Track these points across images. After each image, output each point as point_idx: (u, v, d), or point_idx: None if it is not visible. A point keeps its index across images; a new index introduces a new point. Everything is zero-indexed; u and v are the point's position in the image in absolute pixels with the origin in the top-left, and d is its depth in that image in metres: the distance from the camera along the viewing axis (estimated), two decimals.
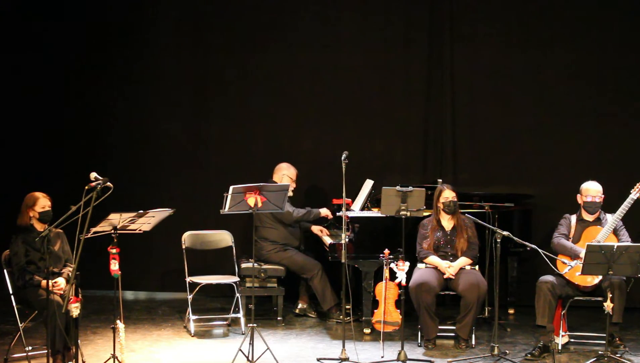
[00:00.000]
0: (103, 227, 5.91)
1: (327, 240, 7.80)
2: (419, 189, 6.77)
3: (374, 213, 7.68)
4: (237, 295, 7.72)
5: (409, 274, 6.84)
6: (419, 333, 7.12)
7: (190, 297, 7.54)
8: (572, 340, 7.14)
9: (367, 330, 7.45)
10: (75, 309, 5.66)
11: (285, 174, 8.10)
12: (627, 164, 8.50)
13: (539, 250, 6.53)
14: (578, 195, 7.12)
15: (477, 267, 7.22)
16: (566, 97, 8.75)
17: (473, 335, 7.08)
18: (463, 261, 7.13)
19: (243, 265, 7.84)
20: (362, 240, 7.46)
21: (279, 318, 7.91)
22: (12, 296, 6.50)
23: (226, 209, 6.54)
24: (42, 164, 9.16)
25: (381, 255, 7.07)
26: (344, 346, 6.62)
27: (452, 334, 7.18)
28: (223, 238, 8.05)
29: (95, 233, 5.86)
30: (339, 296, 7.80)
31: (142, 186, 9.08)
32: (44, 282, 6.20)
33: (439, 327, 7.09)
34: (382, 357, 6.73)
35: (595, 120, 8.72)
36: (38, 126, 9.24)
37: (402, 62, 8.98)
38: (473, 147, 8.91)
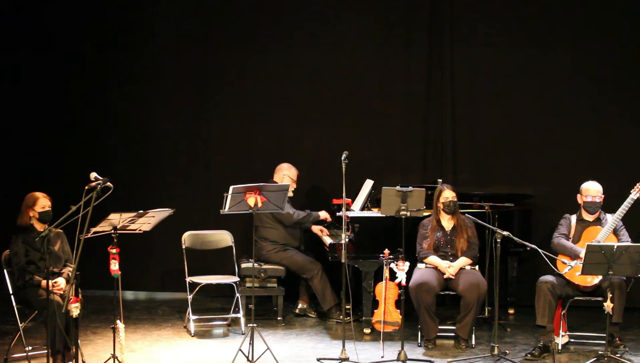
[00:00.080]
0: (103, 227, 5.91)
1: (327, 240, 7.80)
2: (419, 189, 6.77)
3: (374, 213, 7.68)
4: (237, 295, 7.72)
5: (409, 274, 6.84)
6: (419, 333, 7.12)
7: (190, 297, 7.54)
8: (572, 340, 7.14)
9: (367, 330, 7.45)
10: (75, 309, 5.66)
11: (286, 174, 8.10)
12: (627, 164, 8.50)
13: (539, 250, 6.53)
14: (578, 195, 7.12)
15: (477, 267, 7.22)
16: (566, 97, 8.75)
17: (473, 335, 7.08)
18: (463, 261, 7.13)
19: (243, 265, 7.84)
20: (362, 240, 7.46)
21: (279, 318, 7.91)
22: (12, 296, 6.49)
23: (226, 209, 6.54)
24: (42, 164, 9.16)
25: (381, 255, 7.07)
26: (344, 346, 6.62)
27: (452, 334, 7.18)
28: (223, 238, 8.05)
29: (95, 233, 5.86)
30: (339, 296, 7.80)
31: (142, 186, 9.08)
32: (44, 282, 6.20)
33: (439, 327, 7.09)
34: (382, 357, 6.73)
35: (595, 120, 8.72)
36: (38, 126, 9.23)
37: (402, 62, 8.98)
38: (473, 147, 8.91)
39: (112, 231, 5.95)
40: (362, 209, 7.84)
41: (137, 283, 9.16)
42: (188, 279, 7.64)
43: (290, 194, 8.01)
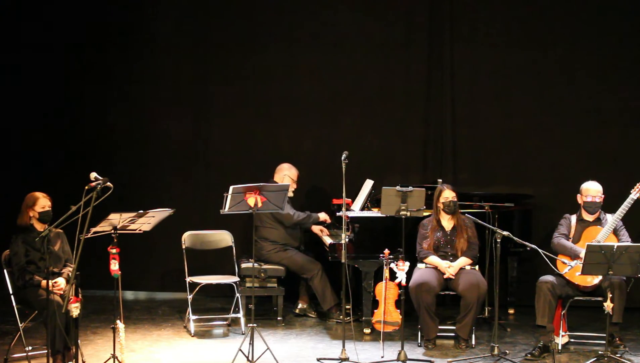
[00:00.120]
0: (103, 227, 5.91)
1: (327, 240, 7.80)
2: (419, 189, 6.77)
3: (374, 213, 7.68)
4: (237, 295, 7.72)
5: (409, 274, 6.84)
6: (419, 333, 7.12)
7: (190, 297, 7.54)
8: (572, 340, 7.14)
9: (367, 330, 7.45)
10: (75, 309, 5.66)
11: (286, 174, 8.10)
12: (627, 164, 8.50)
13: (539, 250, 6.53)
14: (578, 195, 7.12)
15: (477, 267, 7.22)
16: (566, 97, 8.75)
17: (473, 335, 7.08)
18: (463, 261, 7.13)
19: (243, 265, 7.84)
20: (362, 240, 7.46)
21: (279, 318, 7.91)
22: (12, 296, 6.49)
23: (226, 209, 6.53)
24: (42, 164, 9.16)
25: (381, 255, 7.07)
26: (344, 346, 6.62)
27: (452, 334, 7.18)
28: (223, 238, 8.05)
29: (95, 233, 5.86)
30: (339, 296, 7.80)
31: (142, 186, 9.08)
32: (44, 282, 6.20)
33: (439, 327, 7.09)
34: (382, 357, 6.73)
35: (595, 120, 8.72)
36: (38, 126, 9.23)
37: (402, 62, 8.98)
38: (473, 147, 8.91)
39: (112, 231, 5.95)
40: (362, 209, 7.84)
41: (137, 283, 9.16)
42: (188, 279, 7.64)
43: (291, 194, 8.02)
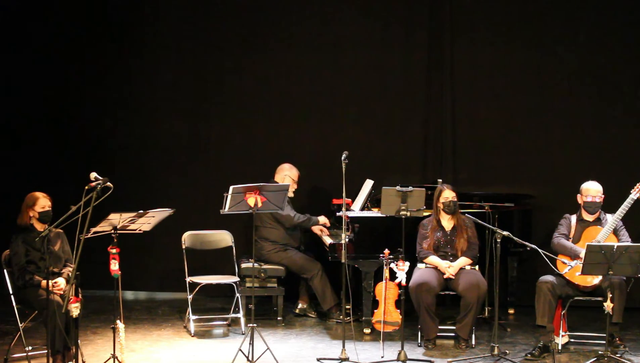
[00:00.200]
0: (103, 227, 5.91)
1: (327, 240, 7.80)
2: (419, 189, 6.76)
3: (374, 213, 7.68)
4: (237, 295, 7.72)
5: (409, 274, 6.84)
6: (419, 333, 7.12)
7: (190, 297, 7.54)
8: (572, 340, 7.14)
9: (367, 330, 7.45)
10: (75, 309, 5.66)
11: (287, 175, 8.10)
12: (627, 164, 8.50)
13: (539, 250, 6.53)
14: (578, 195, 7.12)
15: (477, 267, 7.22)
16: (566, 97, 8.75)
17: (473, 335, 7.08)
18: (463, 261, 7.13)
19: (243, 265, 7.84)
20: (362, 240, 7.46)
21: (279, 318, 7.91)
22: (12, 296, 6.49)
23: (226, 209, 6.53)
24: (42, 164, 9.15)
25: (381, 255, 7.07)
26: (344, 346, 6.62)
27: (452, 334, 7.18)
28: (223, 238, 8.05)
29: (95, 233, 5.86)
30: (339, 296, 7.80)
31: (142, 186, 9.08)
32: (44, 282, 6.20)
33: (439, 327, 7.09)
34: (382, 357, 6.73)
35: (595, 120, 8.72)
36: (38, 126, 9.24)
37: (402, 62, 8.98)
38: (473, 147, 8.91)
39: (112, 231, 5.95)
40: (362, 209, 7.84)
41: (137, 283, 9.16)
42: (188, 279, 7.64)
43: (291, 194, 8.02)
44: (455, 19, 8.85)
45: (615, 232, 6.91)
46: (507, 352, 6.76)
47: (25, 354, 6.46)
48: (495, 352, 6.65)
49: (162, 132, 9.22)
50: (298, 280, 8.20)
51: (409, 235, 6.99)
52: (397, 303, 6.97)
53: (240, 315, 7.65)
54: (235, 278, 7.74)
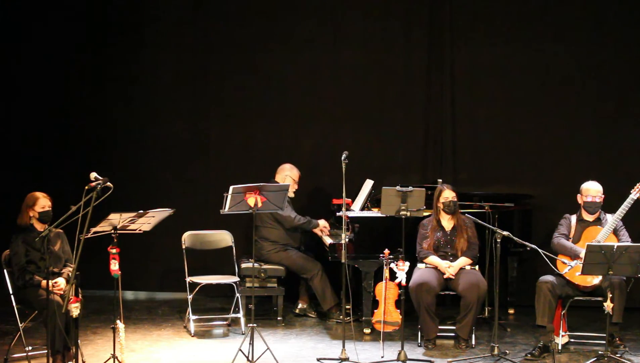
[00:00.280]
0: (103, 227, 5.91)
1: (327, 240, 7.80)
2: (419, 189, 6.76)
3: (374, 213, 7.68)
4: (237, 295, 7.72)
5: (409, 274, 6.84)
6: (419, 333, 7.11)
7: (190, 297, 7.54)
8: (572, 340, 7.14)
9: (367, 330, 7.45)
10: (75, 309, 5.66)
11: (287, 175, 8.10)
12: (627, 164, 8.50)
13: (539, 250, 6.53)
14: (578, 195, 7.12)
15: (477, 267, 7.22)
16: (566, 97, 8.75)
17: (473, 335, 7.08)
18: (463, 261, 7.13)
19: (243, 265, 7.83)
20: (362, 240, 7.46)
21: (279, 318, 7.91)
22: (12, 296, 6.49)
23: (226, 209, 6.53)
24: (42, 164, 9.16)
25: (381, 255, 7.07)
26: (344, 346, 6.62)
27: (452, 334, 7.18)
28: (223, 238, 8.05)
29: (95, 233, 5.86)
30: (339, 296, 7.80)
31: (142, 186, 9.08)
32: (44, 282, 6.20)
33: (439, 327, 7.09)
34: (382, 357, 6.73)
35: (595, 120, 8.71)
36: (38, 126, 9.24)
37: (402, 62, 8.97)
38: (473, 147, 8.91)
39: (112, 231, 5.95)
40: (362, 209, 7.84)
41: (137, 283, 9.16)
42: (188, 279, 7.64)
43: (292, 195, 8.02)
44: (455, 19, 8.84)
45: (615, 232, 6.91)
46: (507, 352, 6.76)
47: (25, 354, 6.46)
48: (495, 352, 6.65)
49: (162, 132, 9.23)
50: (298, 280, 8.20)
51: (409, 235, 6.99)
52: (397, 303, 6.97)
53: (240, 315, 7.65)
54: (235, 278, 7.74)
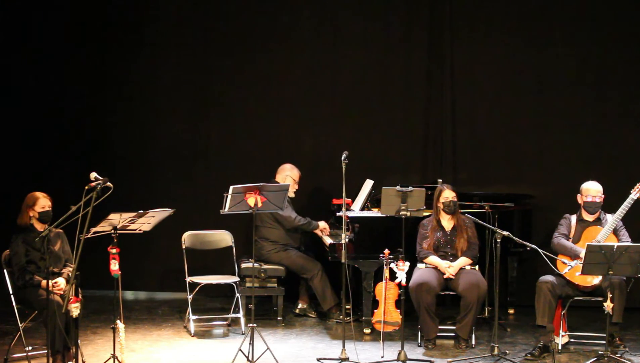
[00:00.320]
0: (103, 227, 5.91)
1: (327, 240, 7.80)
2: (419, 189, 6.76)
3: (374, 213, 7.68)
4: (237, 295, 7.72)
5: (409, 274, 6.84)
6: (419, 333, 7.11)
7: (190, 297, 7.54)
8: (572, 340, 7.14)
9: (367, 330, 7.45)
10: (75, 309, 5.66)
11: (288, 175, 8.10)
12: (627, 164, 8.50)
13: (539, 250, 6.53)
14: (578, 195, 7.12)
15: (477, 267, 7.22)
16: (566, 97, 8.75)
17: (473, 335, 7.08)
18: (463, 261, 7.13)
19: (243, 265, 7.83)
20: (362, 240, 7.46)
21: (279, 318, 7.91)
22: (12, 296, 6.49)
23: (226, 209, 6.53)
24: (42, 164, 9.16)
25: (381, 255, 7.07)
26: (344, 346, 6.62)
27: (452, 334, 7.18)
28: (223, 238, 8.05)
29: (95, 233, 5.86)
30: (339, 296, 7.80)
31: (142, 186, 9.08)
32: (44, 282, 6.20)
33: (439, 327, 7.09)
34: (382, 357, 6.73)
35: (595, 120, 8.71)
36: (38, 126, 9.24)
37: (402, 62, 8.97)
38: (473, 147, 8.91)
39: (112, 231, 5.95)
40: (362, 209, 7.84)
41: (137, 283, 9.16)
42: (188, 279, 7.64)
43: (292, 195, 8.03)
44: (455, 19, 8.85)
45: (615, 232, 6.91)
46: (507, 352, 6.76)
47: (25, 354, 6.46)
48: (495, 352, 6.65)
49: (162, 132, 9.23)
50: (298, 280, 8.20)
51: (409, 235, 6.99)
52: (397, 303, 6.97)
53: (240, 315, 7.65)
54: (235, 278, 7.74)
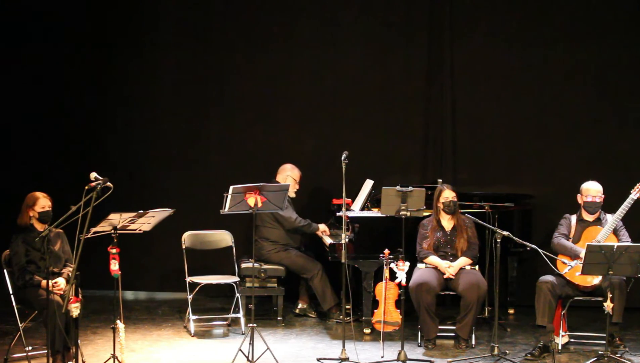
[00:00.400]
0: (103, 227, 5.91)
1: (327, 240, 7.80)
2: (419, 189, 6.77)
3: (374, 213, 7.68)
4: (237, 295, 7.72)
5: (409, 274, 6.84)
6: (419, 333, 7.11)
7: (190, 297, 7.54)
8: (572, 340, 7.14)
9: (367, 330, 7.45)
10: (75, 309, 5.66)
11: (289, 175, 8.10)
12: (627, 164, 8.50)
13: (539, 250, 6.53)
14: (578, 195, 7.12)
15: (477, 267, 7.22)
16: (566, 96, 8.75)
17: (473, 335, 7.08)
18: (463, 261, 7.13)
19: (243, 265, 7.83)
20: (362, 240, 7.46)
21: (279, 318, 7.91)
22: (12, 296, 6.49)
23: (226, 209, 6.53)
24: (42, 165, 9.16)
25: (381, 255, 7.07)
26: (344, 346, 6.62)
27: (452, 334, 7.18)
28: (223, 238, 8.04)
29: (95, 233, 5.86)
30: (339, 296, 7.80)
31: (142, 186, 9.08)
32: (44, 282, 6.20)
33: (439, 327, 7.09)
34: (382, 357, 6.73)
35: (595, 120, 8.71)
36: (38, 126, 9.24)
37: (402, 62, 8.97)
38: (473, 147, 8.91)
39: (112, 231, 5.95)
40: (362, 209, 7.84)
41: (137, 283, 9.16)
42: (188, 279, 7.64)
43: (293, 195, 8.03)
44: (455, 19, 8.84)
45: (615, 232, 6.91)
46: (507, 352, 6.76)
47: (25, 354, 6.46)
48: (495, 352, 6.65)
49: (162, 132, 9.22)
50: (298, 280, 8.20)
51: (409, 235, 6.99)
52: (397, 303, 6.97)
53: (240, 315, 7.65)
54: (235, 278, 7.74)
